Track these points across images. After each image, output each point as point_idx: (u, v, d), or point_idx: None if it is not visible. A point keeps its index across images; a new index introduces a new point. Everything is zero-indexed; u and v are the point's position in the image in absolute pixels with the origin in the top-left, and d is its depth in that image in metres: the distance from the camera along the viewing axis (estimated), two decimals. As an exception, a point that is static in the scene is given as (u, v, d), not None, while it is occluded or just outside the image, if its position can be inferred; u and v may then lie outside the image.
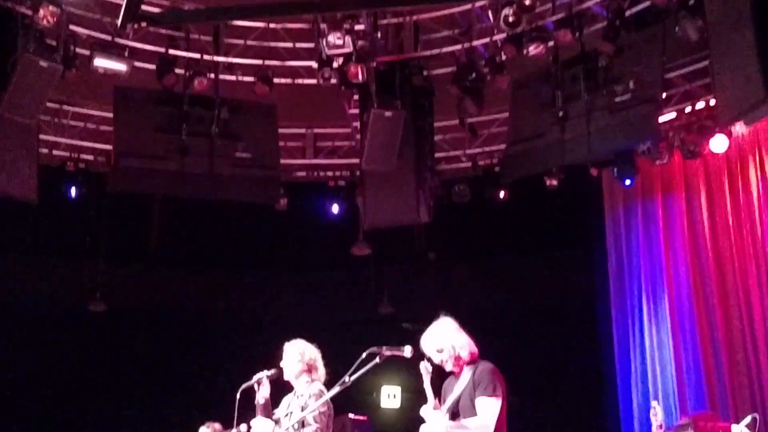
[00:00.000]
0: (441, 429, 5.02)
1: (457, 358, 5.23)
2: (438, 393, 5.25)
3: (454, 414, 5.12)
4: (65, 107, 10.98)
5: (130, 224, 11.47)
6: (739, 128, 10.42)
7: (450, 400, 5.17)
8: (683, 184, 11.09)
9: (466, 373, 5.19)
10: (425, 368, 5.12)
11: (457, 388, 5.20)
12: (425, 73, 10.38)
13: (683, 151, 10.78)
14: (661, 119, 10.08)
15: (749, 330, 10.17)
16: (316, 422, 5.82)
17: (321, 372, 6.25)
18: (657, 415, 8.34)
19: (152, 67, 9.97)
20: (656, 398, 10.03)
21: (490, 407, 5.02)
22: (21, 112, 9.07)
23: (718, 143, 10.41)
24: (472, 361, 5.23)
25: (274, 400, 6.38)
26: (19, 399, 10.97)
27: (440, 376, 5.32)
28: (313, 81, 10.15)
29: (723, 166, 10.75)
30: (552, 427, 11.12)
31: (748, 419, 7.37)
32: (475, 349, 5.28)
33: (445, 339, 5.27)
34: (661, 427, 8.29)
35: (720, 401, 10.15)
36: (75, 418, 11.16)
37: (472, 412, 5.05)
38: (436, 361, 5.24)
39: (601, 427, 10.93)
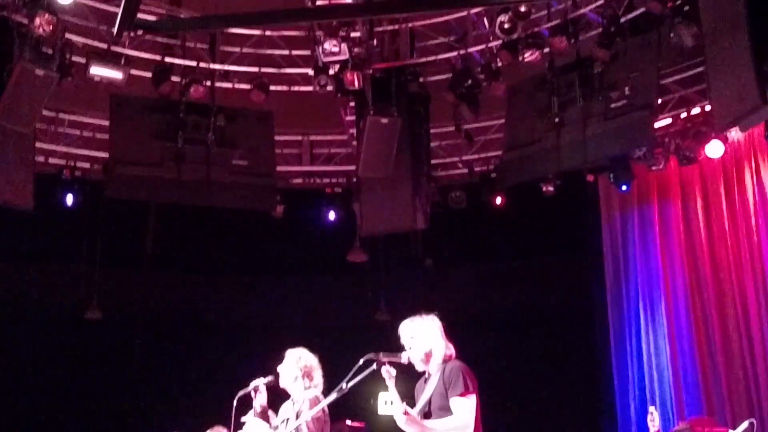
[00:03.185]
0: (415, 430, 4.95)
1: (428, 355, 5.17)
2: (409, 396, 5.19)
3: (426, 415, 5.08)
4: (61, 115, 10.98)
5: (126, 231, 11.46)
6: (735, 134, 10.45)
7: (422, 401, 5.12)
8: (679, 190, 11.11)
9: (436, 374, 5.15)
10: (387, 372, 5.04)
11: (427, 389, 5.15)
12: (421, 79, 10.40)
13: (679, 157, 10.81)
14: (657, 125, 10.11)
15: (746, 335, 10.18)
16: (309, 429, 5.81)
17: (317, 380, 6.24)
18: (654, 420, 8.34)
19: (148, 75, 9.97)
20: (653, 403, 10.02)
21: (466, 406, 4.97)
22: (17, 120, 9.06)
23: (714, 149, 10.44)
24: (443, 362, 5.17)
25: (273, 407, 6.37)
26: (16, 406, 10.94)
27: (413, 378, 5.28)
28: (310, 88, 10.16)
29: (719, 171, 10.78)
30: (549, 432, 11.12)
31: (745, 425, 7.36)
32: (451, 352, 5.23)
33: (425, 330, 5.23)
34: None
35: (717, 406, 10.16)
36: (72, 425, 11.13)
37: (445, 413, 5.00)
38: (405, 353, 5.15)
39: (599, 433, 10.93)
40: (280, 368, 6.27)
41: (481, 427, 5.07)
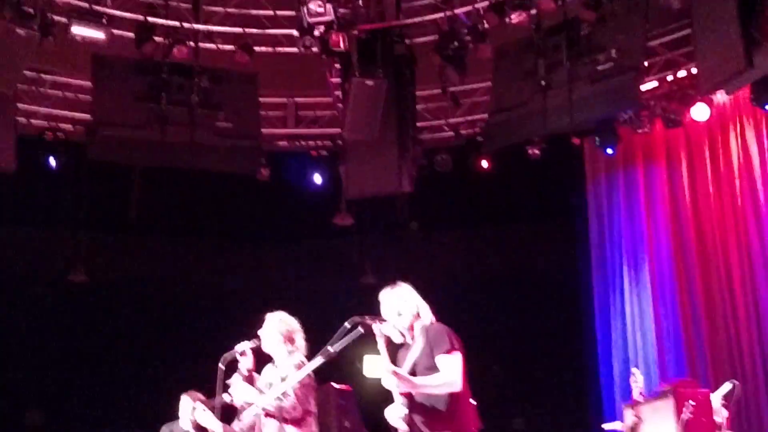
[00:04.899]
0: (406, 388, 4.94)
1: (415, 318, 5.17)
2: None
3: (412, 376, 5.06)
4: (43, 76, 10.84)
5: (110, 194, 11.38)
6: (720, 97, 10.45)
7: (407, 364, 5.09)
8: (665, 153, 11.13)
9: (419, 339, 5.14)
10: (379, 330, 5.03)
11: (411, 353, 5.14)
12: (407, 41, 10.31)
13: (665, 120, 10.80)
14: (643, 88, 10.08)
15: (729, 298, 10.26)
16: (296, 393, 5.82)
17: (300, 343, 6.23)
18: (637, 382, 8.42)
19: (131, 35, 9.83)
20: (636, 365, 10.12)
21: (453, 363, 4.97)
22: (-2, 81, 8.95)
23: (700, 112, 10.44)
24: (425, 326, 5.17)
25: (259, 371, 6.38)
26: (1, 371, 10.93)
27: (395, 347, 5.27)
28: (295, 49, 10.04)
29: (704, 135, 10.79)
30: (532, 394, 11.22)
31: (727, 386, 7.44)
32: (434, 318, 5.23)
33: (411, 296, 5.24)
34: (641, 393, 8.37)
35: (700, 369, 10.26)
36: (57, 390, 11.14)
37: (431, 372, 4.97)
38: (390, 321, 5.14)
39: (581, 395, 11.04)
40: (260, 332, 6.26)
41: (467, 388, 5.09)
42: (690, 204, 10.80)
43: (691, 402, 6.82)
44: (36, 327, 11.18)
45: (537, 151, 10.95)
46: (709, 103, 10.43)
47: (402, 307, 5.19)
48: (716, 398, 7.49)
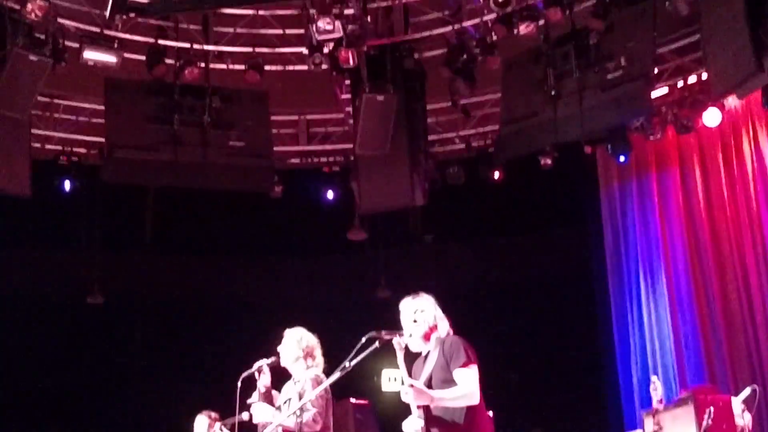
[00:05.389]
0: (424, 401, 4.94)
1: (432, 329, 5.18)
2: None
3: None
4: (56, 101, 10.94)
5: (125, 215, 11.45)
6: (732, 102, 10.42)
7: (423, 377, 5.10)
8: (678, 160, 11.10)
9: (435, 350, 5.16)
10: (398, 344, 5.04)
11: (427, 366, 5.15)
12: (416, 55, 10.35)
13: (676, 126, 10.78)
14: (654, 95, 10.07)
15: (747, 302, 10.21)
16: (314, 406, 5.82)
17: (319, 359, 6.24)
18: (657, 389, 8.38)
19: (142, 57, 9.93)
20: (656, 373, 10.07)
21: (470, 376, 4.98)
22: (12, 107, 9.04)
23: (711, 117, 10.41)
24: (442, 338, 5.18)
25: (277, 388, 6.39)
26: (19, 393, 10.97)
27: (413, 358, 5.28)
28: (304, 67, 10.09)
29: (717, 140, 10.76)
30: (550, 403, 11.17)
31: (747, 391, 7.39)
32: (450, 328, 5.24)
33: (428, 305, 5.25)
34: (661, 401, 8.33)
35: (719, 374, 10.20)
36: (75, 410, 11.18)
37: (447, 386, 4.97)
38: (407, 329, 5.16)
39: (600, 403, 10.98)
40: (280, 348, 6.27)
41: (483, 400, 5.09)
42: (704, 209, 10.76)
43: (711, 408, 6.77)
44: (53, 348, 11.22)
45: (549, 161, 10.95)
46: (721, 108, 10.41)
47: (419, 316, 5.20)
48: (737, 403, 7.44)
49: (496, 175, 11.40)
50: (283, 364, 6.28)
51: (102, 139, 10.57)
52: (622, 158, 10.98)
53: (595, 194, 11.71)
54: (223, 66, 10.42)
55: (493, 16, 9.61)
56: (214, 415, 7.68)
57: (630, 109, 9.54)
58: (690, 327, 10.58)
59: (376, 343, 4.96)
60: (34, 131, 10.37)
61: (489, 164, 11.33)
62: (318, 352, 6.26)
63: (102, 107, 10.39)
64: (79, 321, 11.44)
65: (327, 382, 5.46)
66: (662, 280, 10.89)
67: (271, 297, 11.76)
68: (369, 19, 9.98)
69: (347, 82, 10.59)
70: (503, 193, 11.39)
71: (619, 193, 11.59)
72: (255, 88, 10.36)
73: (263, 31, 10.40)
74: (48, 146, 11.04)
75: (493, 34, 9.67)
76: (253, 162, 10.32)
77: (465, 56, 9.93)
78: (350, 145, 10.85)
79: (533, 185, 11.32)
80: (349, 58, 9.58)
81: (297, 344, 6.23)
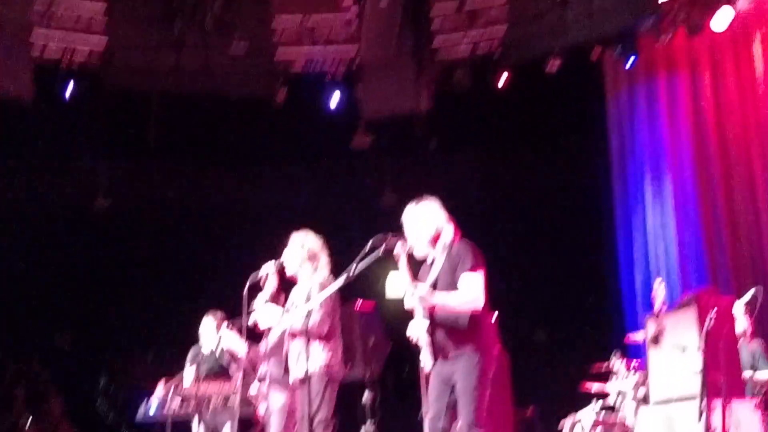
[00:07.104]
0: (426, 299, 4.95)
1: (437, 235, 5.18)
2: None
3: None
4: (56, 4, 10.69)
5: (128, 122, 11.35)
6: (743, 4, 10.18)
7: (428, 281, 5.12)
8: (687, 63, 10.91)
9: (441, 255, 5.15)
10: (402, 247, 5.04)
11: (433, 271, 5.16)
12: (422, -44, 10.12)
13: (687, 26, 10.53)
14: (665, -6, 9.84)
15: (752, 207, 10.20)
16: (321, 307, 5.87)
17: (324, 261, 6.25)
18: (659, 293, 8.44)
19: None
20: (659, 276, 10.12)
21: (476, 280, 4.99)
22: (12, 6, 8.89)
23: (723, 17, 10.17)
24: (449, 243, 5.17)
25: (285, 292, 6.42)
26: (26, 301, 11.08)
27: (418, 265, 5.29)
28: (308, -33, 9.88)
29: (727, 42, 10.56)
30: (554, 308, 11.29)
31: (751, 291, 7.41)
32: (455, 233, 5.23)
33: (432, 211, 5.24)
34: (664, 304, 8.40)
35: (722, 279, 10.26)
36: (85, 313, 11.31)
37: (453, 290, 5.00)
38: (411, 235, 5.15)
39: (603, 307, 11.09)
40: (285, 253, 6.29)
41: (488, 304, 5.12)
42: (713, 114, 10.64)
43: (714, 310, 6.81)
44: (59, 256, 11.27)
45: (557, 63, 10.70)
46: (733, 6, 10.17)
47: (424, 222, 5.20)
48: (739, 306, 7.49)
49: (502, 80, 11.22)
50: (288, 270, 6.30)
51: (103, 43, 10.37)
52: (630, 62, 10.78)
53: (601, 100, 11.57)
54: (225, -34, 10.17)
55: None
56: (220, 314, 7.76)
57: (639, 9, 9.37)
58: (694, 231, 10.59)
59: (382, 248, 4.97)
60: (35, 31, 10.15)
61: (495, 68, 11.14)
62: (323, 255, 6.27)
63: (103, 6, 10.16)
64: (85, 226, 11.47)
65: (334, 285, 5.50)
66: (668, 186, 10.86)
67: (276, 204, 11.72)
68: None
69: (352, -17, 10.37)
70: (509, 99, 11.24)
71: (627, 99, 11.44)
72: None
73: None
74: (50, 45, 10.70)
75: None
76: (256, 66, 10.20)
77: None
78: (355, 48, 10.67)
79: (539, 92, 11.13)
80: (354, -42, 9.37)
81: (300, 248, 6.25)
